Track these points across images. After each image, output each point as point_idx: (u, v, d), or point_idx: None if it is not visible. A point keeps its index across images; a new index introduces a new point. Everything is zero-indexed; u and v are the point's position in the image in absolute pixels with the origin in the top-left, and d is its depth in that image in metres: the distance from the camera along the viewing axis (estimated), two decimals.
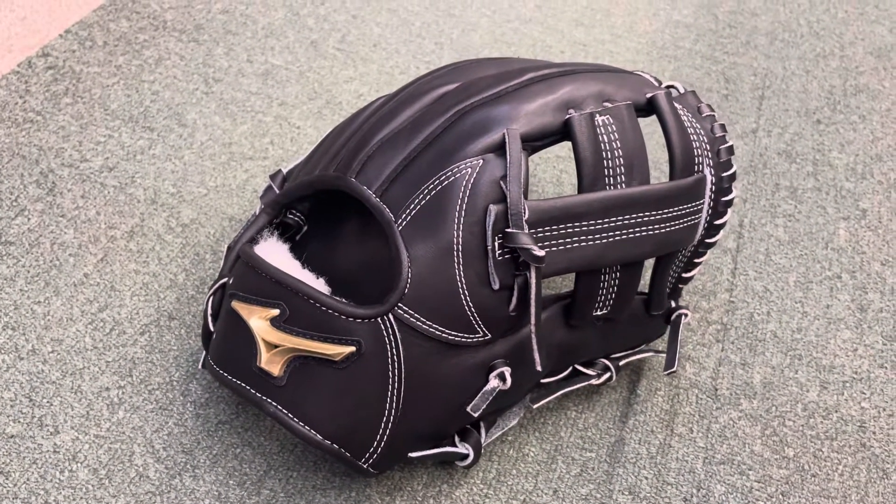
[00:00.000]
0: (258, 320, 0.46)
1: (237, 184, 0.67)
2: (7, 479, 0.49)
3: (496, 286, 0.44)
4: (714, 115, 0.52)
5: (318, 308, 0.44)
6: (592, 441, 0.55)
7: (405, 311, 0.44)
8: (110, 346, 0.56)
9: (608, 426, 0.56)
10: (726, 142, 0.51)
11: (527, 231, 0.43)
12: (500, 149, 0.45)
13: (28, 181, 0.65)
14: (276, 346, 0.45)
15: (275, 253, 0.49)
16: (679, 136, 0.49)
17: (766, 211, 0.70)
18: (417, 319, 0.44)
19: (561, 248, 0.45)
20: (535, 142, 0.46)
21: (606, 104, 0.48)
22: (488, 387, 0.46)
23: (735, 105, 0.80)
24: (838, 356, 0.61)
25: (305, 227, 0.54)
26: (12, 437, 0.51)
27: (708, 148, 0.50)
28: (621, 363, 0.55)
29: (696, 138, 0.50)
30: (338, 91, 0.76)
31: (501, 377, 0.46)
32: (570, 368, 0.53)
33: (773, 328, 0.62)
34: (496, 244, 0.44)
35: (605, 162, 0.46)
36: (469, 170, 0.44)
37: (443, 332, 0.44)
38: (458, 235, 0.44)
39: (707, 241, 0.53)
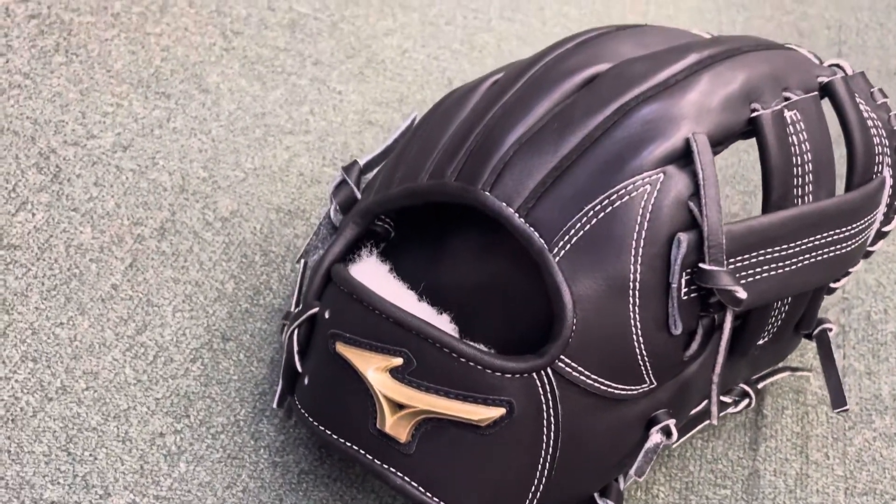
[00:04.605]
0: (377, 373, 0.37)
1: (279, 165, 0.57)
2: None
3: (677, 331, 0.36)
4: (887, 103, 0.44)
5: (455, 359, 0.36)
6: (725, 475, 0.48)
7: (567, 364, 0.36)
8: (157, 378, 0.46)
9: (738, 456, 0.49)
10: None
11: (727, 268, 0.35)
12: (681, 158, 0.36)
13: (26, 165, 0.53)
14: (402, 407, 0.36)
15: (378, 279, 0.40)
16: (861, 132, 0.41)
17: None
18: (581, 373, 0.36)
19: (749, 279, 0.37)
20: (716, 146, 0.37)
21: (787, 94, 0.39)
22: (650, 443, 0.39)
23: None
24: None
25: (392, 234, 0.45)
26: None
27: (887, 143, 0.43)
28: (759, 386, 0.48)
29: (875, 133, 0.42)
30: (378, 47, 0.65)
31: (666, 431, 0.39)
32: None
33: (892, 329, 0.56)
34: (683, 281, 0.36)
35: (794, 170, 0.38)
36: (648, 187, 0.35)
37: (608, 385, 0.36)
38: (635, 270, 0.35)
39: (869, 249, 0.45)
